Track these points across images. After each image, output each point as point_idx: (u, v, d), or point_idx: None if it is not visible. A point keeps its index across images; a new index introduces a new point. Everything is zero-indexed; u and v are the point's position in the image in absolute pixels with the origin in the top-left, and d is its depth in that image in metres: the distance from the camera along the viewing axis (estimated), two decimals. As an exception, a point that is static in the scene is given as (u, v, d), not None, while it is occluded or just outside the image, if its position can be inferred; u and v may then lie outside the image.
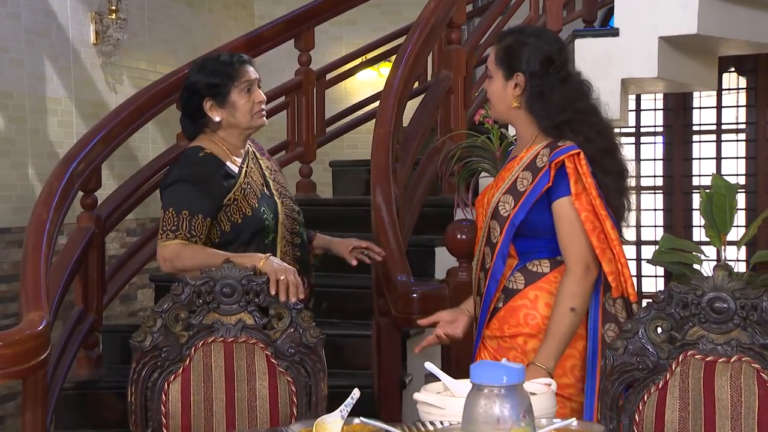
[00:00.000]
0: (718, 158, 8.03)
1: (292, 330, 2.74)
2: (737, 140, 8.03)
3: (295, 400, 2.72)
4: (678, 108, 8.03)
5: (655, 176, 8.00)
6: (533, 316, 2.72)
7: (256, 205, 3.06)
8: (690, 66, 5.22)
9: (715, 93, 7.81)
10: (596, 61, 4.69)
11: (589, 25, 5.48)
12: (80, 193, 4.31)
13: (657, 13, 4.67)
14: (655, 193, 8.03)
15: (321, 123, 5.64)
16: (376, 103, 6.03)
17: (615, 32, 4.69)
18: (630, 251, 7.69)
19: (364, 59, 6.27)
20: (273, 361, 2.72)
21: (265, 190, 3.13)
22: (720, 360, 2.27)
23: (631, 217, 2.89)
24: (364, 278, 4.03)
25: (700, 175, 8.01)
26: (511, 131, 3.96)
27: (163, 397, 2.70)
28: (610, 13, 6.96)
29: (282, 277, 2.78)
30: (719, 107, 8.03)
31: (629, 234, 3.06)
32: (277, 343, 2.73)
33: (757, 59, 7.83)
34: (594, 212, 2.67)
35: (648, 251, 7.41)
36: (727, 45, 5.31)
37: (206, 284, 2.75)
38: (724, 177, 6.77)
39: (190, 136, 3.18)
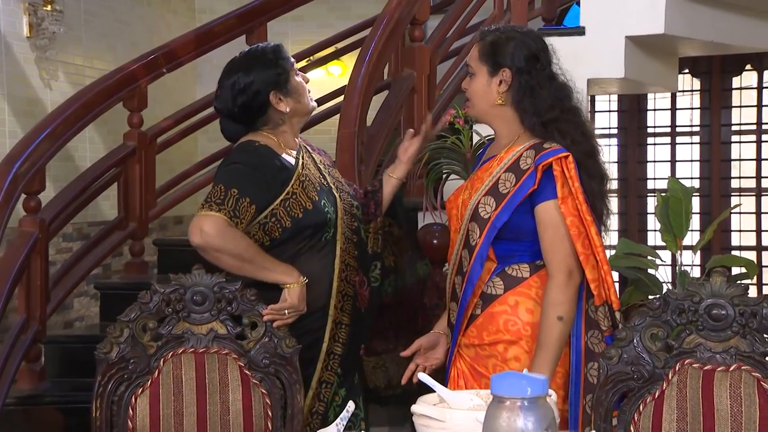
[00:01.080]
0: (673, 161, 8.15)
1: (266, 340, 2.70)
2: (691, 143, 8.16)
3: (269, 413, 2.67)
4: (632, 110, 8.14)
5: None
6: (513, 323, 2.71)
7: (317, 198, 2.94)
8: (653, 66, 5.28)
9: (669, 95, 7.93)
10: (562, 61, 4.71)
11: (548, 23, 5.51)
12: (22, 196, 4.20)
13: (624, 12, 4.71)
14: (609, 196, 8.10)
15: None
16: (330, 103, 6.06)
17: (581, 31, 4.72)
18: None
19: (311, 59, 6.22)
20: (246, 372, 2.68)
21: (324, 183, 3.03)
22: (719, 369, 2.28)
23: (610, 223, 2.91)
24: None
25: (654, 178, 8.12)
26: (484, 131, 3.97)
27: (130, 411, 2.64)
28: (565, 12, 7.03)
29: (285, 313, 2.76)
30: (673, 109, 8.15)
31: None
32: (251, 353, 2.69)
33: (712, 61, 7.97)
34: (579, 217, 2.67)
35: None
36: (689, 45, 5.38)
37: (176, 292, 2.71)
38: (679, 180, 6.91)
39: (231, 139, 3.07)
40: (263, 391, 2.67)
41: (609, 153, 8.12)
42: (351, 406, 2.03)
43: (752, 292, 8.05)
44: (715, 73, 8.07)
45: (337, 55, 6.41)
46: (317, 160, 3.09)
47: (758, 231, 8.12)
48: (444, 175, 3.86)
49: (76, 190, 4.63)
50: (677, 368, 2.32)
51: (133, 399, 2.64)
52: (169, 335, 2.69)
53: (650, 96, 8.01)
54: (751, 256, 7.67)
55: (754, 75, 8.18)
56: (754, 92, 8.19)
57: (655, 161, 8.16)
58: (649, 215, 7.93)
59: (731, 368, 2.27)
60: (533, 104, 2.73)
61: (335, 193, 3.02)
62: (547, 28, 5.02)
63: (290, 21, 7.90)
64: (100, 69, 6.59)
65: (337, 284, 2.95)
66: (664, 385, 2.33)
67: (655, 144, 8.20)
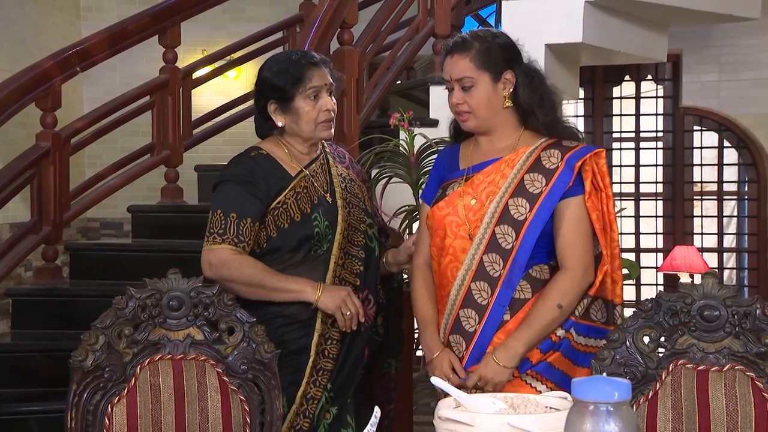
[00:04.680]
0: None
1: (244, 345, 2.58)
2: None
3: (248, 420, 2.55)
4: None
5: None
6: None
7: (308, 211, 2.83)
8: (563, 75, 5.37)
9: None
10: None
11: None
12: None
13: (543, 21, 4.76)
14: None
15: (188, 125, 5.41)
16: (241, 107, 5.92)
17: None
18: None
19: (230, 58, 6.06)
20: (224, 378, 2.55)
21: (327, 198, 2.88)
22: (713, 369, 2.29)
23: None
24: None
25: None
26: (432, 135, 3.94)
27: (107, 421, 2.48)
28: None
29: (348, 313, 2.71)
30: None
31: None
32: (229, 359, 2.57)
33: (594, 71, 8.17)
34: (605, 212, 2.67)
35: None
36: (597, 55, 5.50)
37: (152, 297, 2.56)
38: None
39: (260, 136, 2.98)
40: (241, 397, 2.55)
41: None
42: (377, 411, 1.94)
43: (631, 292, 8.33)
44: (598, 82, 8.29)
45: (243, 60, 6.23)
46: (335, 173, 2.94)
47: (636, 234, 8.38)
48: (385, 179, 3.81)
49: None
50: (671, 369, 2.32)
51: (110, 408, 2.48)
52: (145, 342, 2.54)
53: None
54: (631, 257, 7.89)
55: (633, 85, 8.45)
56: (633, 101, 8.46)
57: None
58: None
59: (725, 368, 2.28)
60: (538, 101, 2.71)
61: (339, 208, 2.89)
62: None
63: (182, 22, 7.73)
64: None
65: None
66: (658, 385, 2.32)
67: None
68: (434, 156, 3.63)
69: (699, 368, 2.31)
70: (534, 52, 4.52)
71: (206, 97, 7.09)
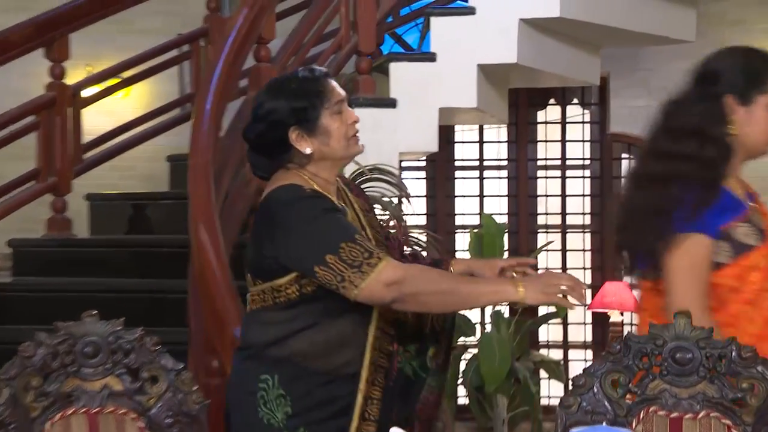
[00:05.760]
0: (481, 196, 8.40)
1: (170, 395, 2.53)
2: (499, 177, 8.45)
3: (174, 481, 2.51)
4: (441, 141, 8.30)
5: (418, 214, 8.22)
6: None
7: None
8: (493, 97, 5.45)
9: (477, 127, 8.18)
10: (409, 88, 4.82)
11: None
12: None
13: (476, 39, 4.84)
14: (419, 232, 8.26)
15: (78, 148, 5.32)
16: (137, 130, 5.86)
17: (432, 57, 4.82)
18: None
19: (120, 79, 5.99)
20: (147, 434, 2.51)
21: (365, 234, 2.74)
22: (686, 416, 2.33)
23: None
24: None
25: (463, 214, 8.35)
26: (363, 161, 3.93)
27: (12, 486, 2.41)
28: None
29: (566, 286, 2.56)
30: (481, 142, 8.41)
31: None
32: (152, 412, 2.52)
33: (518, 94, 8.28)
34: None
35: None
36: (529, 76, 5.61)
37: (64, 343, 2.50)
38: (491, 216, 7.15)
39: (264, 174, 2.77)
40: (166, 455, 2.51)
41: (417, 186, 8.29)
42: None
43: (557, 331, 8.46)
44: (522, 106, 8.39)
45: (141, 78, 6.17)
46: (357, 206, 2.85)
47: (563, 269, 8.50)
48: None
49: None
50: (641, 416, 2.36)
51: (15, 471, 2.41)
52: (56, 394, 2.48)
53: (458, 127, 8.23)
54: (557, 293, 8.01)
55: (558, 109, 8.60)
56: (559, 127, 8.61)
57: (464, 196, 8.39)
58: (458, 252, 8.11)
59: (700, 415, 2.33)
60: None
61: (372, 241, 2.74)
62: (399, 53, 5.08)
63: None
64: None
65: (371, 353, 2.69)
66: (628, 434, 2.37)
67: (463, 178, 8.43)
68: (366, 185, 3.62)
69: (672, 415, 2.35)
70: (466, 73, 4.64)
71: (91, 118, 6.97)
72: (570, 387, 2.42)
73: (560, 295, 2.59)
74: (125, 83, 6.07)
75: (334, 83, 2.75)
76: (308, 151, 2.70)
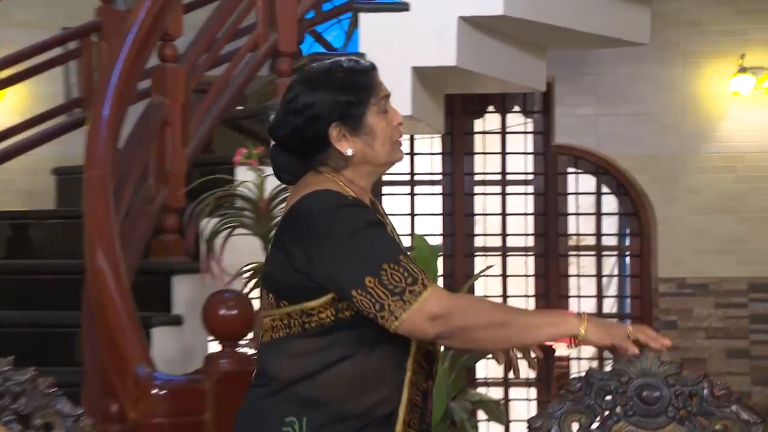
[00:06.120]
0: (413, 214, 8.43)
1: (67, 445, 2.49)
2: (432, 194, 8.48)
3: None
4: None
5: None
6: None
7: None
8: (428, 104, 5.47)
9: (408, 137, 8.19)
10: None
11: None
12: None
13: (410, 41, 4.85)
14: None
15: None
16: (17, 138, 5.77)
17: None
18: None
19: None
20: (40, 491, 2.46)
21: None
22: (655, 462, 2.36)
23: None
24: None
25: (393, 235, 8.34)
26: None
27: None
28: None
29: (644, 336, 2.44)
30: (412, 154, 8.44)
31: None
32: (46, 465, 2.48)
33: (453, 100, 8.32)
34: None
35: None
36: (470, 81, 5.63)
37: (-56, 385, 2.44)
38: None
39: (289, 177, 2.67)
40: None
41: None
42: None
43: (498, 366, 8.47)
44: (458, 114, 8.42)
45: (24, 77, 6.08)
46: (389, 221, 2.74)
47: (504, 296, 8.55)
48: (227, 231, 3.77)
49: None
50: (605, 462, 2.38)
51: None
52: (-67, 445, 2.42)
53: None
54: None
55: (498, 118, 8.64)
56: (498, 138, 8.64)
57: (392, 214, 8.37)
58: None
59: (669, 460, 2.36)
60: None
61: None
62: (322, 53, 5.07)
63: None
64: None
65: (408, 390, 2.59)
66: (590, 483, 2.37)
67: (392, 194, 8.44)
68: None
69: (639, 461, 2.37)
70: (399, 76, 4.64)
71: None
72: (523, 429, 2.42)
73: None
74: (1, 84, 5.94)
75: (379, 78, 2.64)
76: (349, 152, 2.60)
